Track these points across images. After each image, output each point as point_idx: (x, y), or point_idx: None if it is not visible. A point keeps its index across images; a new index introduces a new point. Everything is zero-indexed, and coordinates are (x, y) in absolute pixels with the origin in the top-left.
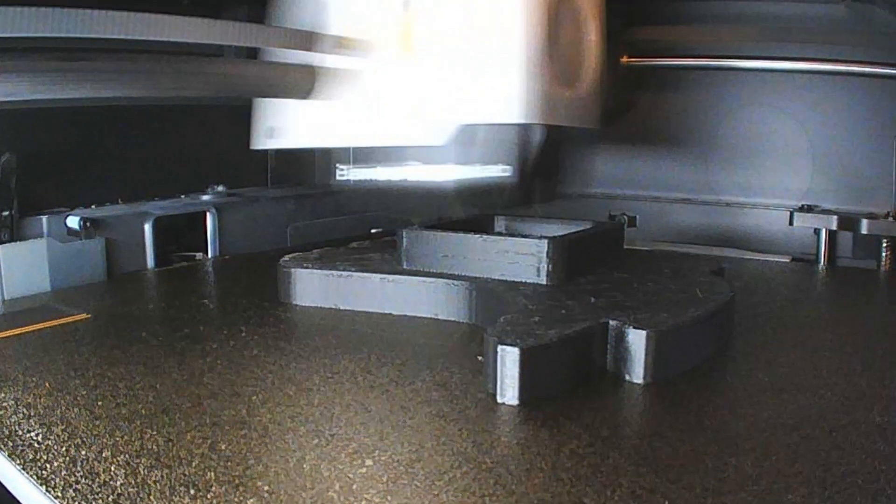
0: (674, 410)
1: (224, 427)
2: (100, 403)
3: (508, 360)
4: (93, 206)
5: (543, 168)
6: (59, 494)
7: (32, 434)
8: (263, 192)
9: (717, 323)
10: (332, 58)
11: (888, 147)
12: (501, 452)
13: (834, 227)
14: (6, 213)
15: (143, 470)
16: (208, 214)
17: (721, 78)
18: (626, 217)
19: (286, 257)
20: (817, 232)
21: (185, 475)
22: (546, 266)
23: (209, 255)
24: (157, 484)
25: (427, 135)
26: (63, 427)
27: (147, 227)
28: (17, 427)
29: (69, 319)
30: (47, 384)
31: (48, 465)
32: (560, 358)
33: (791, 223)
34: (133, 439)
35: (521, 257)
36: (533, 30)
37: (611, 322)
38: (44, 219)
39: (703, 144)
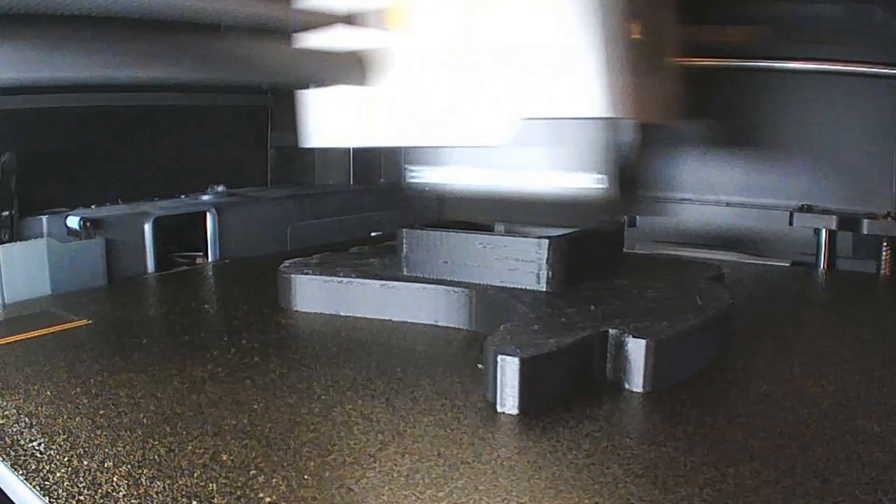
0: (673, 420)
1: (226, 437)
2: (101, 412)
3: (508, 369)
4: (93, 206)
5: (636, 174)
6: None
7: (35, 444)
8: (263, 192)
9: (716, 331)
10: (369, 42)
11: (888, 147)
12: (501, 463)
13: (834, 227)
14: (6, 213)
15: (146, 481)
16: (208, 214)
17: (721, 78)
18: (626, 217)
19: (286, 263)
20: (817, 232)
21: (187, 486)
22: (546, 273)
23: (209, 255)
24: (160, 495)
25: (484, 133)
26: (65, 436)
27: (147, 227)
28: (19, 436)
29: (70, 325)
30: (49, 392)
31: (51, 476)
32: (560, 367)
33: (791, 223)
34: (135, 449)
35: (520, 264)
36: (611, 17)
37: (610, 331)
38: (44, 219)
39: (703, 144)
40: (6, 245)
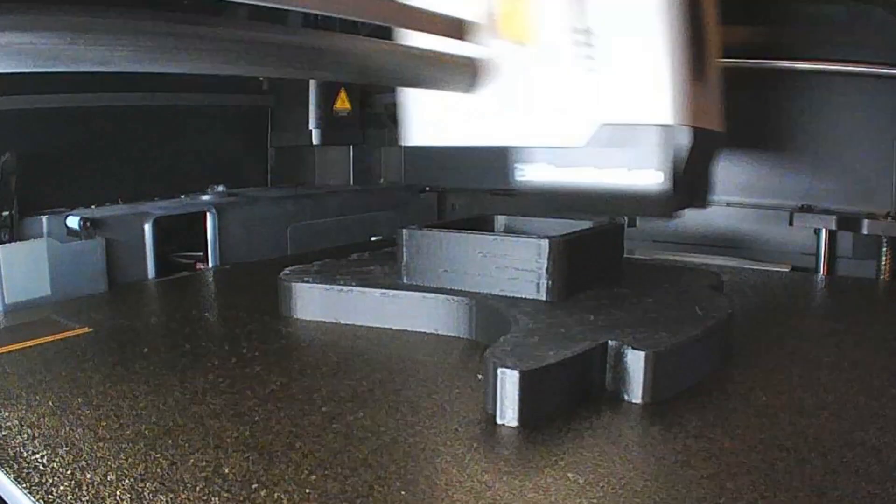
0: (671, 432)
1: (228, 450)
2: (103, 424)
3: (508, 382)
4: (93, 206)
5: (698, 174)
6: None
7: (37, 456)
8: (263, 192)
9: (715, 341)
10: (470, 48)
11: (888, 147)
12: (501, 477)
13: (834, 227)
14: (6, 213)
15: (148, 494)
16: (208, 214)
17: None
18: (625, 217)
19: (287, 270)
20: (817, 232)
21: (189, 500)
22: (545, 282)
23: (209, 255)
24: None
25: (566, 135)
26: (67, 448)
27: (147, 227)
28: (21, 448)
29: (71, 333)
30: (50, 403)
31: (54, 490)
32: (559, 379)
33: (791, 223)
34: (137, 462)
35: (520, 273)
36: (676, 21)
37: (610, 342)
38: (44, 219)
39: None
40: (6, 245)
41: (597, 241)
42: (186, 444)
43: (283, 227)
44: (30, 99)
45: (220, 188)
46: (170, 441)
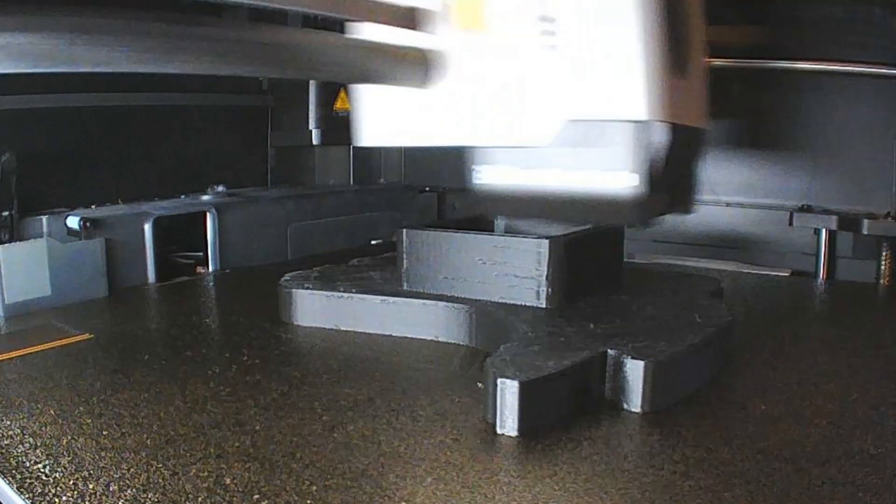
0: (670, 441)
1: (229, 459)
2: (105, 433)
3: (508, 393)
4: (93, 206)
5: (678, 176)
6: None
7: (40, 466)
8: (263, 192)
9: (714, 350)
10: (411, 35)
11: (888, 147)
12: (501, 487)
13: (834, 227)
14: (6, 213)
15: None
16: (208, 214)
17: (721, 78)
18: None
19: (287, 276)
20: (817, 232)
21: None
22: (545, 290)
23: (209, 254)
24: None
25: (529, 133)
26: (70, 458)
27: (147, 227)
28: (24, 458)
29: (72, 340)
30: (52, 411)
31: (57, 500)
32: (559, 389)
33: (791, 223)
34: (139, 472)
35: (520, 280)
36: (651, 11)
37: (609, 351)
38: (44, 219)
39: (703, 144)
40: (6, 245)
41: (597, 246)
42: (188, 454)
43: (284, 226)
44: (30, 99)
45: (220, 188)
46: (171, 451)
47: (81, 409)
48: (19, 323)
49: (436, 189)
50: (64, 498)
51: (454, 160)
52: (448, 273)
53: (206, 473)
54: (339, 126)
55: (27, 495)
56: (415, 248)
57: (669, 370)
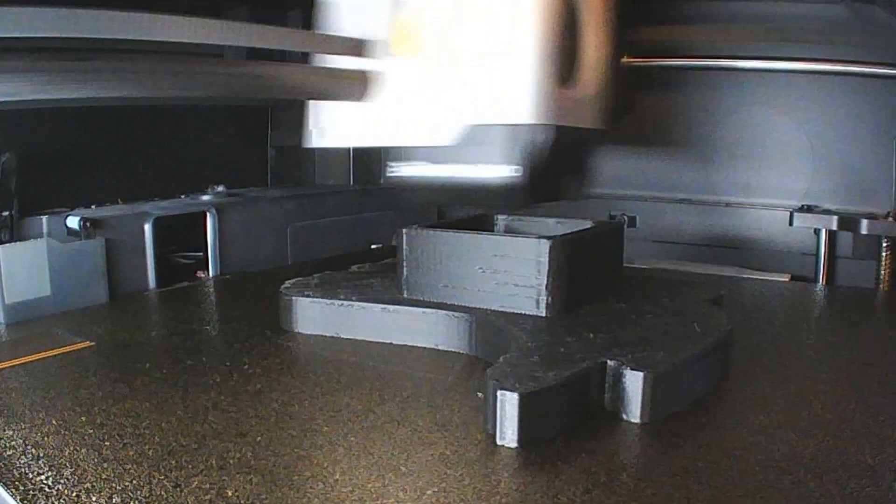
0: (669, 453)
1: (231, 471)
2: (107, 444)
3: (508, 405)
4: (93, 206)
5: (560, 168)
6: None
7: (42, 477)
8: (263, 192)
9: (714, 359)
10: (356, 61)
11: (888, 147)
12: (500, 500)
13: (834, 227)
14: (6, 213)
15: None
16: (208, 214)
17: (721, 78)
18: (626, 217)
19: (287, 283)
20: (817, 232)
21: None
22: (545, 299)
23: (209, 254)
24: None
25: (437, 135)
26: (72, 470)
27: (147, 227)
28: (27, 469)
29: (73, 348)
30: (54, 421)
31: None
32: (559, 400)
33: (791, 223)
34: (141, 484)
35: (520, 289)
36: (539, 30)
37: (609, 362)
38: (44, 219)
39: (703, 144)
40: (6, 245)
41: (597, 254)
42: (190, 466)
43: (283, 226)
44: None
45: (220, 188)
46: (173, 462)
47: (83, 419)
48: (20, 329)
49: None
50: None
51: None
52: (448, 281)
53: (207, 486)
54: None
55: None
56: (415, 254)
57: (668, 381)
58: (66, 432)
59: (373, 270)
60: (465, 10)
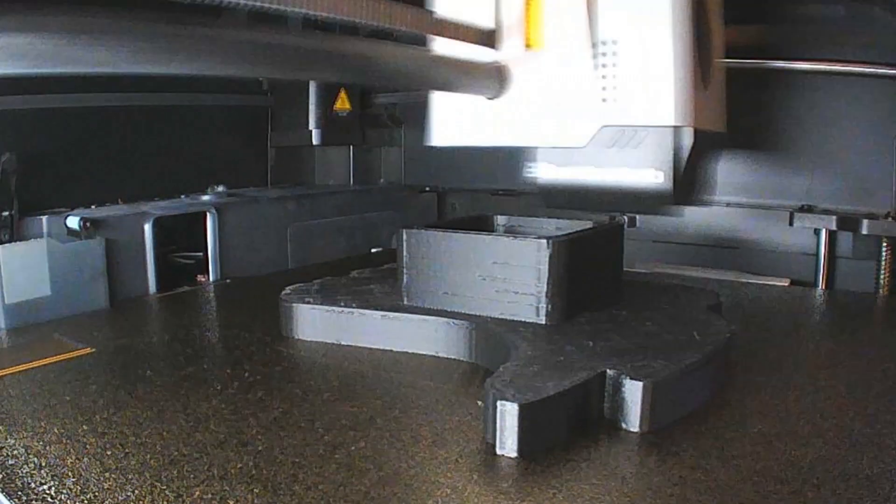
0: (668, 462)
1: (232, 481)
2: (109, 453)
3: (508, 415)
4: (93, 206)
5: (696, 171)
6: None
7: (45, 487)
8: (263, 192)
9: (714, 368)
10: (484, 51)
11: (888, 147)
12: None
13: (834, 228)
14: (6, 213)
15: None
16: (208, 214)
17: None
18: (626, 217)
19: (287, 289)
20: (817, 232)
21: None
22: (545, 306)
23: (209, 255)
24: None
25: (567, 136)
26: (75, 479)
27: (147, 227)
28: (29, 478)
29: (74, 354)
30: (56, 430)
31: None
32: (558, 410)
33: (791, 223)
34: (144, 494)
35: (520, 297)
36: (682, 30)
37: (608, 372)
38: (44, 219)
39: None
40: (6, 245)
41: (597, 260)
42: (191, 476)
43: (284, 226)
44: (30, 99)
45: (220, 188)
46: (175, 472)
47: (85, 427)
48: (20, 335)
49: (436, 189)
50: None
51: (454, 161)
52: (448, 288)
53: (209, 496)
54: (338, 126)
55: None
56: (415, 259)
57: (668, 390)
58: (68, 441)
59: (373, 276)
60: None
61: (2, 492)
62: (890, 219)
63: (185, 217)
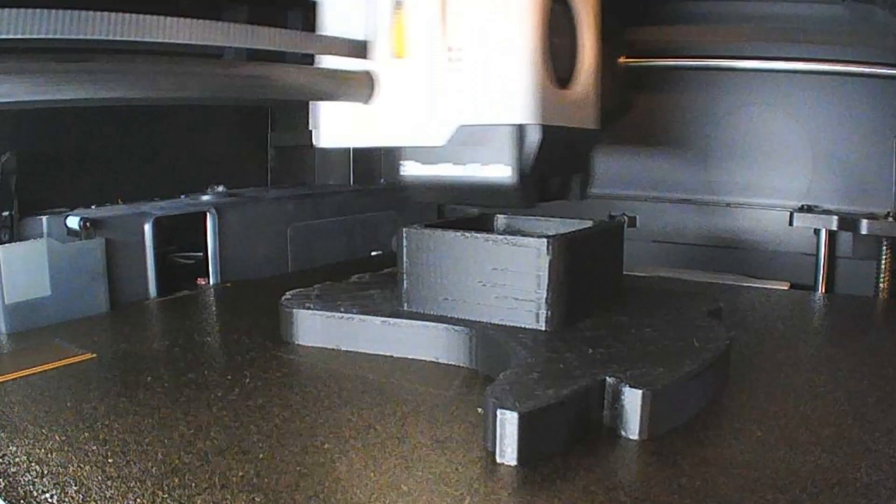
0: (667, 470)
1: (233, 490)
2: (110, 461)
3: (507, 423)
4: (93, 206)
5: (558, 168)
6: None
7: (47, 495)
8: (263, 192)
9: (713, 375)
10: (357, 62)
11: (888, 147)
12: None
13: (834, 228)
14: (6, 213)
15: None
16: (208, 214)
17: (721, 78)
18: (626, 217)
19: (288, 294)
20: (817, 232)
21: None
22: (545, 313)
23: (209, 255)
24: None
25: (428, 136)
26: (77, 488)
27: (147, 227)
28: (31, 487)
29: (75, 360)
30: (57, 437)
31: None
32: (558, 418)
33: (791, 223)
34: (145, 503)
35: (520, 303)
36: (532, 31)
37: (608, 379)
38: (44, 219)
39: (703, 144)
40: (6, 245)
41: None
42: (193, 484)
43: (284, 226)
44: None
45: (220, 188)
46: (177, 480)
47: (86, 434)
48: (20, 340)
49: None
50: None
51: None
52: (448, 294)
53: None
54: None
55: None
56: (415, 263)
57: (667, 398)
58: (70, 448)
59: (373, 281)
60: (460, 9)
61: (5, 500)
62: (890, 219)
63: (185, 217)
